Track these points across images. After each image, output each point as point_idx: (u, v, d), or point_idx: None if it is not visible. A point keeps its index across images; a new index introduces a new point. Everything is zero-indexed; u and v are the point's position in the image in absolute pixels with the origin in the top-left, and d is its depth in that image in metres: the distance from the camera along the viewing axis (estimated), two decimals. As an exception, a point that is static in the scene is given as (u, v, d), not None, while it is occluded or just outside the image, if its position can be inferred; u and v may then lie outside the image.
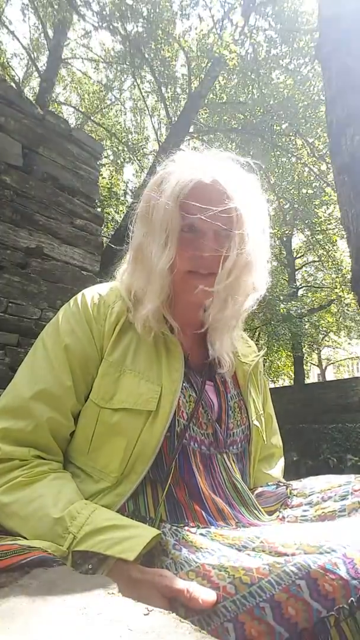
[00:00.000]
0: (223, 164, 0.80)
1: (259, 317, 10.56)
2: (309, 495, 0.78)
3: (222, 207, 0.76)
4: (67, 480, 0.70)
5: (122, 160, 10.62)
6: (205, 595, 0.51)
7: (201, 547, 0.60)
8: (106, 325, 0.79)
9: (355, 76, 2.54)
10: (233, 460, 0.81)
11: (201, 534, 0.64)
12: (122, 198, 10.43)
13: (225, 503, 0.74)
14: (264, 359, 1.00)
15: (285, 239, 12.87)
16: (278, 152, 8.48)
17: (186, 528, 0.66)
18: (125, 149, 10.34)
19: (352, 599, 0.48)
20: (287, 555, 0.53)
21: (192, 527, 0.67)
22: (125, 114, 11.55)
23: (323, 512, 0.71)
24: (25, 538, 0.61)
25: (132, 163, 10.93)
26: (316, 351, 18.08)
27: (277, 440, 1.01)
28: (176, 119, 7.87)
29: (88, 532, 0.58)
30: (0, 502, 0.65)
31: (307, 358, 16.12)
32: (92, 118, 10.03)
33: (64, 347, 0.76)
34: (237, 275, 0.77)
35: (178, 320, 0.82)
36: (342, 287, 10.76)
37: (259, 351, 0.99)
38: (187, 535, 0.63)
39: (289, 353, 13.74)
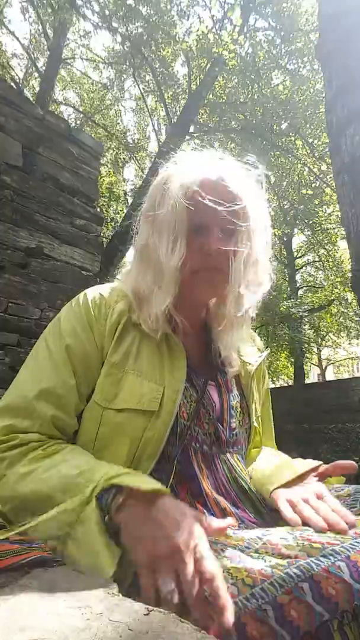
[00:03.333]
0: (226, 162, 0.81)
1: (258, 317, 10.55)
2: None
3: (228, 204, 0.76)
4: (84, 451, 0.72)
5: (122, 160, 10.62)
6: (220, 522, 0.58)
7: None
8: (107, 325, 0.79)
9: (356, 76, 2.54)
10: (238, 460, 0.81)
11: None
12: (122, 198, 10.44)
13: (228, 502, 0.74)
14: (265, 358, 0.99)
15: (285, 239, 12.87)
16: (278, 152, 8.48)
17: None
18: (125, 149, 10.34)
19: (356, 602, 0.47)
20: (290, 557, 0.53)
21: None
22: (125, 114, 11.56)
23: None
24: (40, 511, 0.61)
25: (133, 163, 10.94)
26: (316, 351, 18.08)
27: (273, 443, 1.01)
28: (176, 119, 7.88)
29: (109, 476, 0.60)
30: (19, 473, 0.67)
31: (307, 358, 16.10)
32: (92, 118, 10.03)
33: (66, 346, 0.77)
34: (249, 271, 0.78)
35: (184, 320, 0.82)
36: (343, 287, 10.77)
37: (264, 349, 0.99)
38: None
39: (288, 354, 13.74)
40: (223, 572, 0.54)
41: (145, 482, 0.59)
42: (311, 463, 0.81)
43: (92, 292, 0.84)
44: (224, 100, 8.19)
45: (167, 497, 0.59)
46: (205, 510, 0.71)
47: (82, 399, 0.77)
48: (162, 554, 0.52)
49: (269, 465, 0.86)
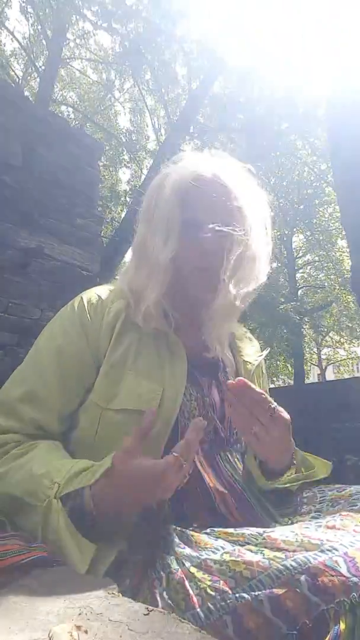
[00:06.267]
0: (223, 161, 0.82)
1: (257, 318, 10.55)
2: (319, 504, 0.78)
3: (223, 201, 0.77)
4: (57, 446, 0.73)
5: (122, 160, 10.61)
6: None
7: (205, 546, 0.60)
8: (103, 325, 0.79)
9: (356, 75, 2.54)
10: (237, 459, 0.81)
11: (205, 533, 0.64)
12: (122, 198, 10.43)
13: (234, 498, 0.74)
14: (264, 358, 1.00)
15: (285, 239, 12.85)
16: (278, 152, 8.48)
17: (190, 528, 0.67)
18: (125, 149, 10.34)
19: (353, 593, 0.48)
20: (288, 551, 0.54)
21: (196, 526, 0.67)
22: (125, 114, 11.58)
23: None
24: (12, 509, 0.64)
25: (133, 163, 10.93)
26: (316, 351, 18.06)
27: None
28: (176, 119, 7.87)
29: (70, 476, 0.62)
30: None
31: (307, 358, 16.07)
32: (91, 118, 10.03)
33: (55, 347, 0.77)
34: (243, 268, 0.78)
35: (182, 317, 0.83)
36: (341, 288, 10.76)
37: (262, 350, 0.99)
38: (192, 535, 0.64)
39: (288, 354, 13.71)
40: (222, 565, 0.55)
41: (93, 472, 0.61)
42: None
43: (88, 294, 0.85)
44: (224, 101, 8.18)
45: (117, 466, 0.61)
46: (210, 508, 0.71)
47: (70, 400, 0.77)
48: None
49: None
